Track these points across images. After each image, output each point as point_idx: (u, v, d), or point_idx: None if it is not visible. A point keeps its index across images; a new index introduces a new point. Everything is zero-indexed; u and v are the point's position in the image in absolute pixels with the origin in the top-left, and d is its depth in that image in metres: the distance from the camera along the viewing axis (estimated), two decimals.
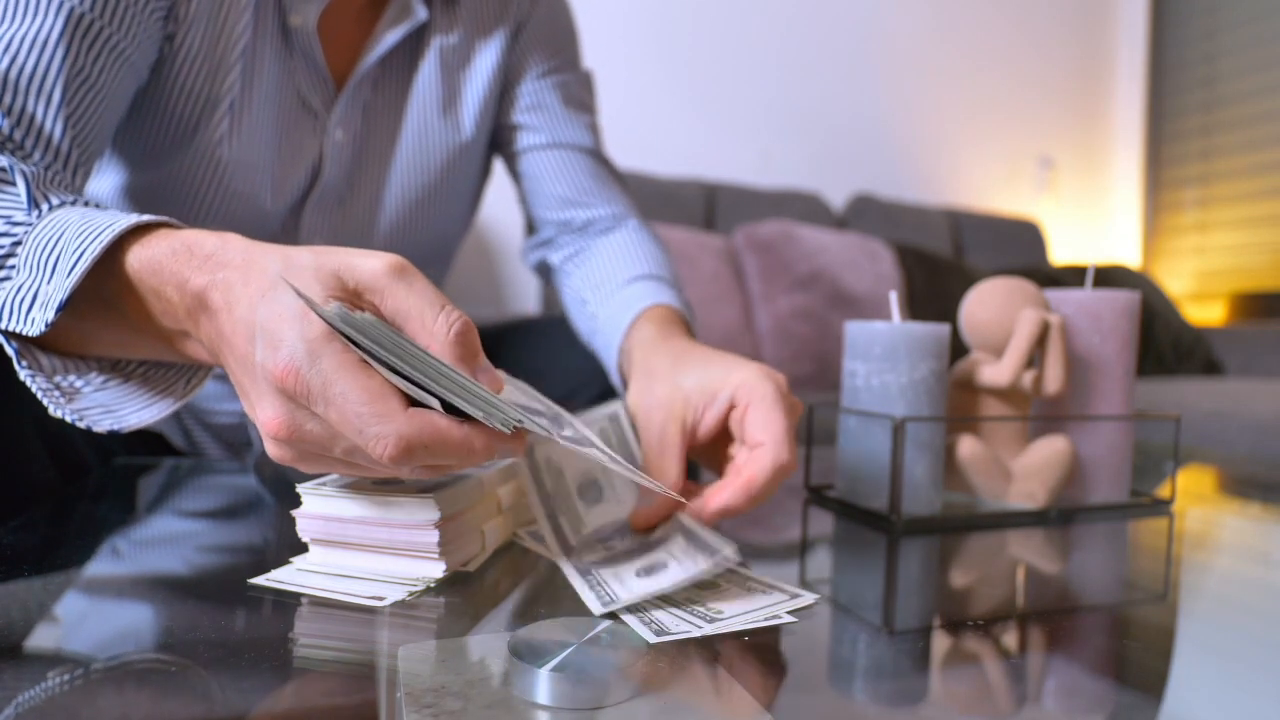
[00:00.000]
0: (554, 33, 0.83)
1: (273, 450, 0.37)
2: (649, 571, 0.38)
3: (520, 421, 0.33)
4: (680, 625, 0.34)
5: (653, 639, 0.32)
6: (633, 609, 0.36)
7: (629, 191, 0.86)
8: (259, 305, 0.35)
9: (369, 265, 0.36)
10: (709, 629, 0.34)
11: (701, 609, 0.36)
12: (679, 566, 0.37)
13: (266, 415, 0.35)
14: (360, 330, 0.33)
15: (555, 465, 0.48)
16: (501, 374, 0.39)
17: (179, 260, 0.40)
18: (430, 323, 0.35)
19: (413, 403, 0.34)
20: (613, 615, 0.35)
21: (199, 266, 0.39)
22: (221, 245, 0.40)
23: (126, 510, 0.56)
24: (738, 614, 0.36)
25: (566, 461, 0.49)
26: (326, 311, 0.33)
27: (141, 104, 0.65)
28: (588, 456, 0.37)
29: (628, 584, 0.37)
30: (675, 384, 0.50)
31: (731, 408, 0.48)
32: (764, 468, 0.44)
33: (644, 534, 0.45)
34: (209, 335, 0.40)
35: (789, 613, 0.36)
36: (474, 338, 0.36)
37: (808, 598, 0.38)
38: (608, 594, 0.36)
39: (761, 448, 0.45)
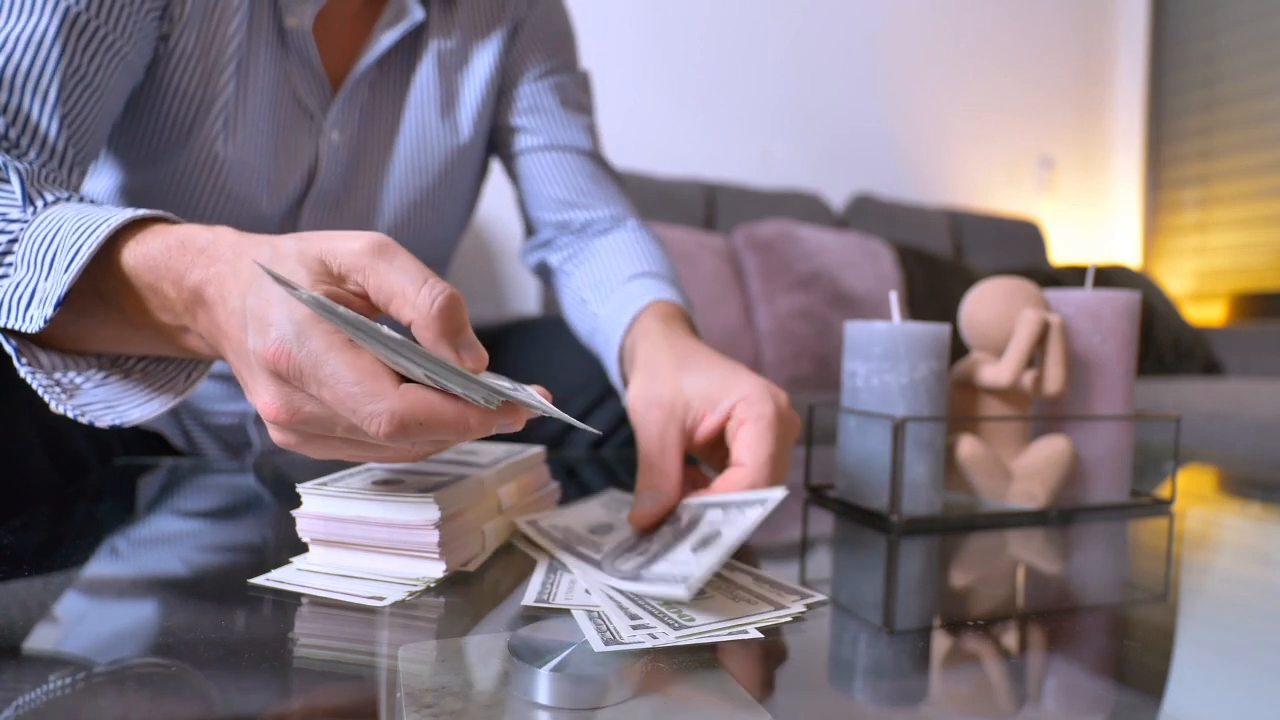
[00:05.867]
0: (551, 34, 0.83)
1: (276, 436, 0.37)
2: (704, 544, 0.37)
3: (500, 394, 0.33)
4: (636, 636, 0.32)
5: (600, 647, 0.31)
6: (595, 612, 0.35)
7: (627, 192, 0.86)
8: (248, 294, 0.35)
9: (350, 247, 0.36)
10: (673, 638, 0.32)
11: (673, 616, 0.35)
12: (731, 527, 0.37)
13: (264, 400, 0.35)
14: (332, 312, 0.32)
15: (561, 525, 0.48)
16: None
17: (174, 256, 0.40)
18: (414, 296, 0.34)
19: (405, 381, 0.34)
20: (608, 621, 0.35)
21: (193, 261, 0.40)
22: (214, 239, 0.40)
23: (126, 510, 0.56)
24: (708, 624, 0.34)
25: (570, 519, 0.49)
26: (303, 294, 0.32)
27: (137, 104, 0.65)
28: (543, 409, 0.36)
29: (688, 563, 0.36)
30: (677, 386, 0.50)
31: (729, 419, 0.48)
32: (735, 490, 0.45)
33: (669, 527, 0.45)
34: (207, 329, 0.40)
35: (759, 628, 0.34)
36: (459, 311, 0.35)
37: (792, 610, 0.37)
38: (609, 630, 0.34)
39: (741, 470, 0.46)
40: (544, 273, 0.88)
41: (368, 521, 0.39)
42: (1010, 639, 0.37)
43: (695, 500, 0.45)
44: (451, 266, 0.92)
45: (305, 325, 0.33)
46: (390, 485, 0.41)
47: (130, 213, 0.43)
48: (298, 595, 0.37)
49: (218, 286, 0.38)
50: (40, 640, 0.33)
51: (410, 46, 0.76)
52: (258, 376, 0.35)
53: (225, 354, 0.39)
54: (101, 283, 0.43)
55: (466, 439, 0.35)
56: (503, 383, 0.36)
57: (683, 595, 0.32)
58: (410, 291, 0.34)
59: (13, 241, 0.45)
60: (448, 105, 0.77)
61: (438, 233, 0.82)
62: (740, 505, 0.40)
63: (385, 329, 0.33)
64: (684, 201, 2.19)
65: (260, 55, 0.67)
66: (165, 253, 0.41)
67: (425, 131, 0.77)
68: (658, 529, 0.45)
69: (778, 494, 0.38)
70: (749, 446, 0.46)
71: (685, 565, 0.36)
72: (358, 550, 0.40)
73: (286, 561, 0.41)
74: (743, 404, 0.47)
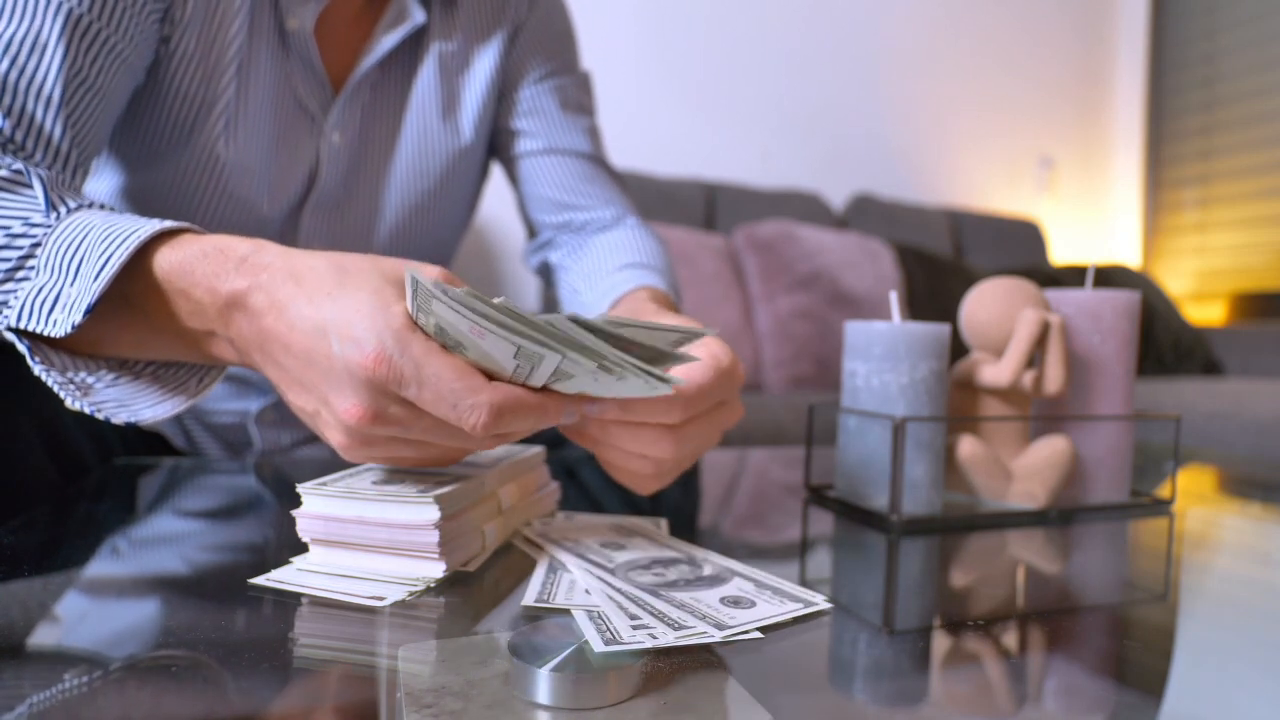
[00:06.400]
0: (551, 36, 0.83)
1: (339, 439, 0.39)
2: (736, 604, 0.37)
3: (625, 366, 0.35)
4: (636, 636, 0.32)
5: (600, 647, 0.31)
6: (595, 611, 0.35)
7: (628, 194, 0.86)
8: (324, 303, 0.37)
9: (427, 273, 0.39)
10: (672, 638, 0.32)
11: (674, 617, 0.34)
12: (767, 605, 0.37)
13: (348, 405, 0.37)
14: (491, 306, 0.34)
15: (572, 537, 0.47)
16: None
17: (211, 263, 0.42)
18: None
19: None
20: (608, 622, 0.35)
21: (235, 269, 0.41)
22: (256, 250, 0.41)
23: (126, 510, 0.56)
24: (708, 624, 0.33)
25: (580, 531, 0.49)
26: (457, 291, 0.34)
27: (138, 106, 0.65)
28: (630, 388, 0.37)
29: (715, 610, 0.36)
30: None
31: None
32: (701, 368, 0.43)
33: (688, 566, 0.44)
34: (241, 334, 0.41)
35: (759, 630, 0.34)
36: None
37: (817, 603, 0.37)
38: (609, 630, 0.34)
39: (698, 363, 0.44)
40: (546, 272, 0.88)
41: (368, 521, 0.39)
42: (1010, 639, 0.37)
43: (740, 568, 0.43)
44: (452, 267, 0.92)
45: (403, 334, 0.36)
46: (390, 485, 0.41)
47: (160, 223, 0.44)
48: (298, 595, 0.37)
49: (268, 294, 0.39)
50: (40, 640, 0.33)
51: (411, 49, 0.76)
52: (341, 382, 0.37)
53: (265, 359, 0.40)
54: (129, 288, 0.44)
55: (540, 427, 0.39)
56: (624, 357, 0.36)
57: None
58: None
59: (35, 246, 0.46)
60: (449, 107, 0.77)
61: (439, 234, 0.82)
62: (777, 594, 0.39)
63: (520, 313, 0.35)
64: (684, 201, 2.19)
65: (261, 57, 0.67)
66: (201, 259, 0.42)
67: (426, 134, 0.77)
68: (670, 558, 0.44)
69: (823, 602, 0.38)
70: (686, 366, 0.44)
71: (716, 615, 0.36)
72: (358, 550, 0.40)
73: (286, 561, 0.41)
74: (703, 347, 0.46)
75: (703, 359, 0.44)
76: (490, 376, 0.37)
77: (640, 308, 0.60)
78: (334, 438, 0.39)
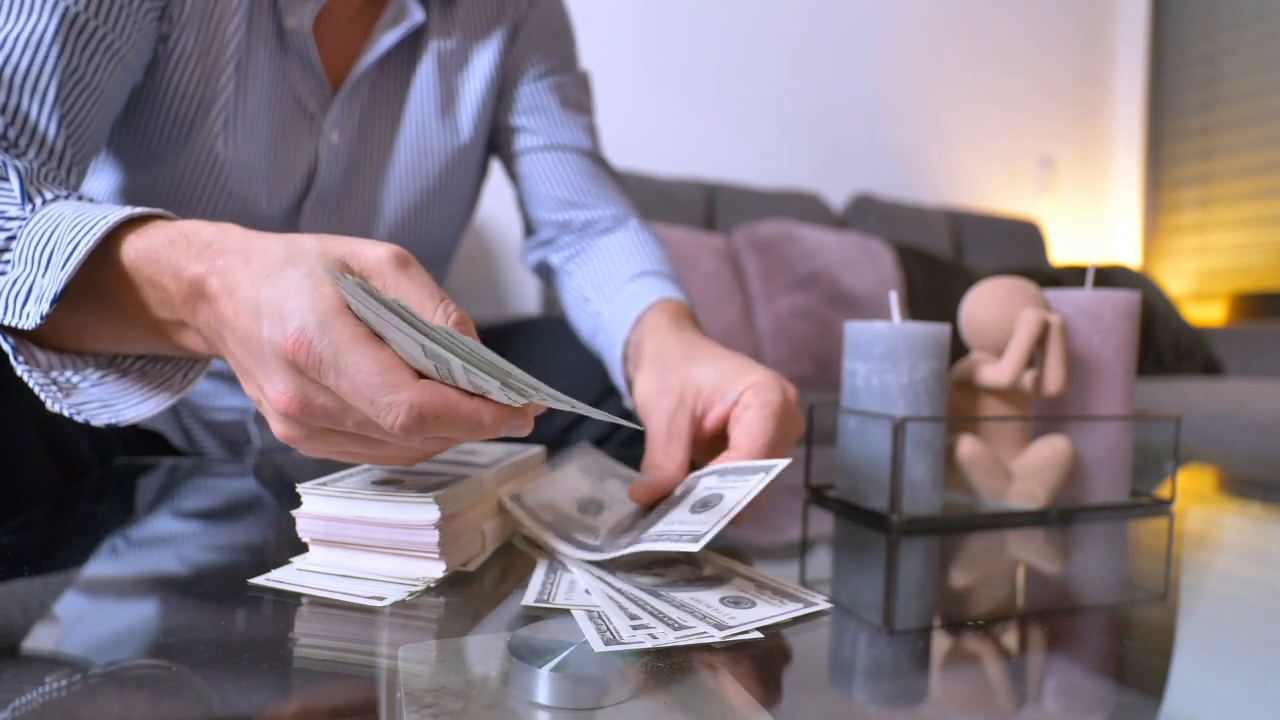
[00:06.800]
0: (551, 34, 0.83)
1: (280, 429, 0.37)
2: (705, 506, 0.37)
3: (535, 391, 0.34)
4: (636, 636, 0.32)
5: (600, 647, 0.31)
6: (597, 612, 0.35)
7: (627, 192, 0.86)
8: (263, 284, 0.35)
9: (374, 254, 0.37)
10: (672, 638, 0.32)
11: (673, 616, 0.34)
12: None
13: (276, 390, 0.35)
14: (383, 302, 0.33)
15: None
16: None
17: (177, 249, 0.40)
18: (430, 313, 0.36)
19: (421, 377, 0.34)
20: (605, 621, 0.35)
21: (197, 255, 0.40)
22: (220, 234, 0.40)
23: (126, 510, 0.56)
24: (708, 625, 0.34)
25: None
26: (347, 281, 0.33)
27: (136, 104, 0.65)
28: (575, 408, 0.35)
29: (688, 522, 0.36)
30: (688, 374, 0.50)
31: (736, 405, 0.48)
32: None
33: (664, 502, 0.44)
34: (206, 323, 0.40)
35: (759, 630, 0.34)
36: (470, 331, 0.37)
37: (793, 611, 0.37)
38: (609, 630, 0.34)
39: (736, 453, 0.45)
40: (545, 272, 0.88)
41: (368, 521, 0.39)
42: (1010, 639, 0.37)
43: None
44: (452, 267, 0.92)
45: (329, 317, 0.33)
46: (390, 485, 0.41)
47: (129, 210, 0.43)
48: (298, 595, 0.37)
49: (222, 278, 0.38)
50: (40, 640, 0.33)
51: (410, 47, 0.75)
52: (270, 366, 0.35)
53: (226, 347, 0.39)
54: (100, 277, 0.43)
55: (477, 437, 0.35)
56: (536, 384, 0.35)
57: (693, 549, 0.33)
58: (427, 307, 0.36)
59: (10, 239, 0.45)
60: (448, 106, 0.77)
61: (438, 233, 0.82)
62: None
63: (425, 319, 0.34)
64: (684, 201, 2.19)
65: (260, 55, 0.67)
66: (168, 245, 0.41)
67: (425, 132, 0.77)
68: (655, 506, 0.45)
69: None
70: (748, 430, 0.46)
71: (687, 524, 0.36)
72: (358, 550, 0.40)
73: (286, 561, 0.41)
74: (750, 391, 0.47)
75: (756, 414, 0.46)
76: (423, 376, 0.34)
77: (671, 337, 0.58)
78: (275, 428, 0.37)
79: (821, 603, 0.38)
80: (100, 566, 0.43)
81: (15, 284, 0.44)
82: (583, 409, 0.34)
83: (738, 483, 0.38)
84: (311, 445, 0.37)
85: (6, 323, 0.44)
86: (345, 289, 0.32)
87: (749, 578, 0.41)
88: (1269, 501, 0.73)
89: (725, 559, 0.43)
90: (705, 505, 0.38)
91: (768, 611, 0.36)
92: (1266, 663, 0.35)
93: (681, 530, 0.36)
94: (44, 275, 0.43)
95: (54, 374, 0.46)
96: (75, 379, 0.47)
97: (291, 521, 0.41)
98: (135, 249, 0.42)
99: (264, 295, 0.35)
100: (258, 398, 0.38)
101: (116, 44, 0.58)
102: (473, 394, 0.34)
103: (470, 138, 0.79)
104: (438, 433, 0.34)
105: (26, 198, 0.47)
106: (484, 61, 0.79)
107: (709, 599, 0.37)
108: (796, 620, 0.36)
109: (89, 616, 0.36)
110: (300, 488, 0.41)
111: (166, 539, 0.49)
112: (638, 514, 0.46)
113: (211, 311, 0.39)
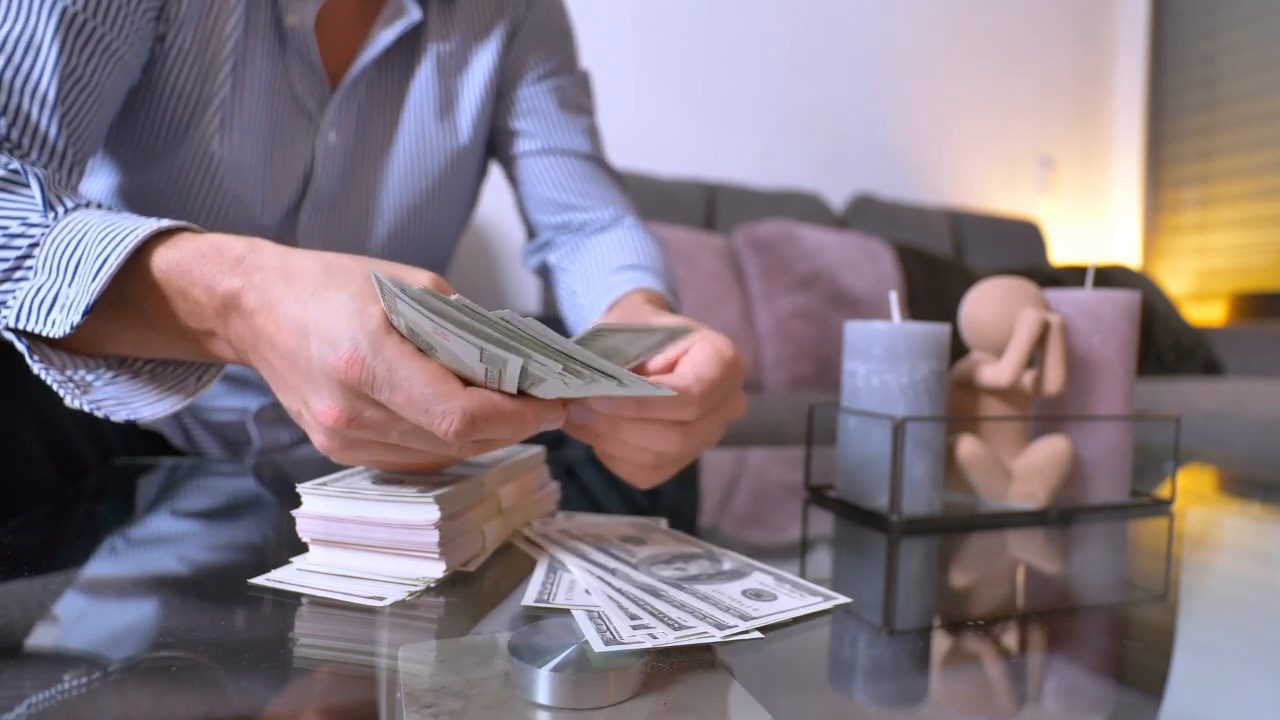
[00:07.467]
0: (550, 34, 0.83)
1: (322, 440, 0.39)
2: (758, 597, 0.38)
3: (592, 372, 0.35)
4: (636, 636, 0.32)
5: (600, 647, 0.30)
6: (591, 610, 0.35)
7: (627, 194, 0.86)
8: (309, 303, 0.37)
9: (417, 278, 0.39)
10: (672, 638, 0.32)
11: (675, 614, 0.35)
12: (788, 598, 0.37)
13: (324, 406, 0.37)
14: (449, 304, 0.34)
15: (591, 532, 0.48)
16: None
17: (208, 262, 0.42)
18: None
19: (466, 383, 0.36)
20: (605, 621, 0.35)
21: (230, 269, 0.41)
22: (252, 249, 0.41)
23: (126, 510, 0.56)
24: (708, 624, 0.33)
25: (601, 528, 0.49)
26: (413, 289, 0.34)
27: (134, 104, 0.65)
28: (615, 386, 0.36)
29: (739, 602, 0.36)
30: (645, 322, 0.50)
31: (685, 353, 0.45)
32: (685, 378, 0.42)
33: (708, 560, 0.43)
34: (239, 334, 0.41)
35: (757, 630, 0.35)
36: None
37: (837, 598, 0.38)
38: (609, 630, 0.33)
39: (677, 379, 0.43)
40: (544, 273, 0.88)
41: (368, 521, 0.39)
42: (1010, 639, 0.37)
43: (760, 566, 0.43)
44: (451, 267, 0.92)
45: (378, 336, 0.35)
46: (390, 485, 0.41)
47: (157, 222, 0.44)
48: (298, 595, 0.37)
49: (260, 294, 0.39)
50: (40, 640, 0.33)
51: (409, 48, 0.75)
52: (319, 384, 0.37)
53: (263, 358, 0.40)
54: (128, 288, 0.44)
55: (519, 437, 0.38)
56: (600, 362, 0.36)
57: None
58: None
59: (33, 246, 0.46)
60: (446, 107, 0.77)
61: (436, 235, 0.82)
62: (803, 589, 0.39)
63: (487, 314, 0.35)
64: (684, 201, 2.19)
65: (257, 54, 0.67)
66: (199, 258, 0.42)
67: (423, 133, 0.77)
68: (690, 554, 0.44)
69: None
70: (693, 364, 0.43)
71: (740, 606, 0.36)
72: (358, 550, 0.40)
73: (286, 561, 0.41)
74: (701, 340, 0.45)
75: (706, 353, 0.44)
76: (467, 382, 0.36)
77: (635, 310, 0.60)
78: (316, 439, 0.39)
79: (841, 598, 0.38)
80: (100, 566, 0.43)
81: (40, 291, 0.44)
82: (634, 386, 0.36)
83: (800, 595, 0.39)
84: (349, 455, 0.39)
85: (30, 329, 0.44)
86: (414, 296, 0.34)
87: (768, 572, 0.41)
88: (1269, 501, 0.73)
89: (741, 556, 0.44)
90: (758, 596, 0.38)
91: (790, 604, 0.36)
92: (1266, 663, 0.35)
93: (735, 609, 0.36)
94: (70, 285, 0.44)
95: (69, 372, 0.46)
96: (89, 378, 0.47)
97: (291, 521, 0.41)
98: (166, 261, 0.43)
99: (311, 315, 0.37)
100: (298, 410, 0.40)
101: (115, 44, 0.58)
102: (514, 395, 0.37)
103: (469, 139, 0.79)
104: (486, 434, 0.36)
105: (49, 205, 0.47)
106: (482, 63, 0.79)
107: (731, 591, 0.38)
108: (802, 619, 0.36)
109: (89, 616, 0.36)
110: (300, 488, 0.41)
111: (166, 539, 0.49)
112: (683, 554, 0.45)
113: (246, 325, 0.40)
